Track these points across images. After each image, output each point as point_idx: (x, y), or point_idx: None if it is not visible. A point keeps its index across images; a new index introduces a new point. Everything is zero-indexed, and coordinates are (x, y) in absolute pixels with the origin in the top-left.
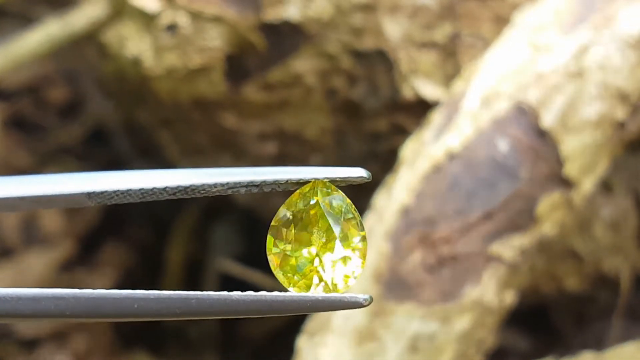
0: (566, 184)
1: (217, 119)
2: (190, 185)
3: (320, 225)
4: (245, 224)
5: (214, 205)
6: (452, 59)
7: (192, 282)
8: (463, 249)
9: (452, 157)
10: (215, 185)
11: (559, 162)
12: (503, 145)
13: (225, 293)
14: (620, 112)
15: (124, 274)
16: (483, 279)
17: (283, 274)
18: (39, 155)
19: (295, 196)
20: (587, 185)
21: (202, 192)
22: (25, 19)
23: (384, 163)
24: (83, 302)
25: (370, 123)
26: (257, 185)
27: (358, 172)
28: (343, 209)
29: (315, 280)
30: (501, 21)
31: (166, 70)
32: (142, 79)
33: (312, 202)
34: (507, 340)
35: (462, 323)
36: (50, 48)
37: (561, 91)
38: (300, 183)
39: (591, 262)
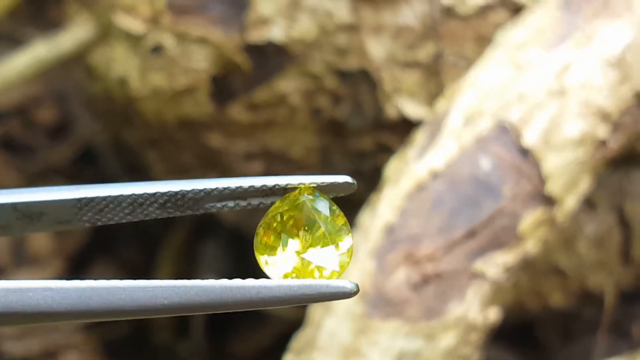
0: (549, 201)
1: (203, 139)
2: (180, 191)
3: (306, 222)
4: (233, 242)
5: (202, 225)
6: (435, 79)
7: None
8: (447, 267)
9: (435, 175)
10: (204, 191)
11: (541, 180)
12: (486, 164)
13: (211, 280)
14: (601, 130)
15: None
16: (467, 296)
17: (271, 272)
18: (28, 175)
19: (282, 200)
20: (570, 202)
21: (190, 201)
22: (13, 41)
23: (368, 181)
24: (72, 293)
25: (355, 142)
26: (244, 199)
27: (343, 179)
28: (329, 208)
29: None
30: (484, 40)
31: (152, 91)
32: (128, 100)
33: (298, 202)
34: (494, 356)
35: (446, 340)
36: (38, 70)
37: (543, 110)
38: (288, 189)
39: (576, 278)
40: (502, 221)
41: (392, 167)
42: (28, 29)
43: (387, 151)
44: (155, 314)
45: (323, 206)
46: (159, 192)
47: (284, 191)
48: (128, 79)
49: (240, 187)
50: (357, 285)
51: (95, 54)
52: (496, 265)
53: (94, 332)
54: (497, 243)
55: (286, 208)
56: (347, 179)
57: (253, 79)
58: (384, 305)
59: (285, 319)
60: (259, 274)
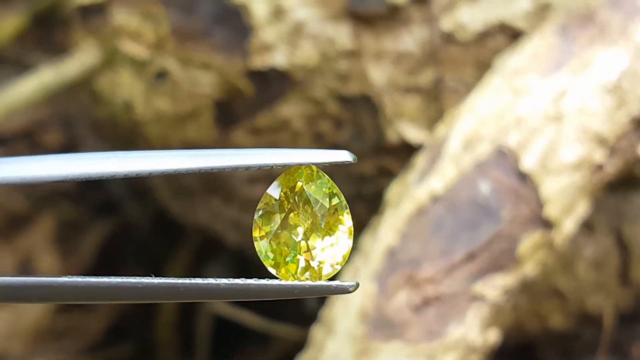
0: (547, 224)
1: None
2: (178, 169)
3: (305, 208)
4: (237, 264)
5: (206, 247)
6: (435, 104)
7: (186, 323)
8: (447, 289)
9: (435, 199)
10: (201, 169)
11: (539, 203)
12: (485, 188)
13: (212, 281)
14: (598, 155)
15: (118, 316)
16: (467, 318)
17: (269, 259)
18: (34, 199)
19: (279, 180)
20: (568, 225)
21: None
22: (20, 66)
23: (370, 205)
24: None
25: (357, 166)
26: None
27: (343, 156)
28: (328, 192)
29: (302, 263)
30: (483, 66)
31: (157, 115)
32: (133, 124)
33: (296, 186)
34: None
35: None
36: (44, 95)
37: (541, 134)
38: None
39: (575, 300)
40: (501, 244)
41: (393, 191)
42: (35, 54)
43: (388, 175)
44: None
45: (320, 184)
46: (157, 170)
47: (282, 166)
48: (133, 103)
49: (238, 166)
50: (357, 284)
51: (101, 79)
52: (495, 287)
53: (99, 353)
54: (496, 266)
55: (283, 192)
56: (346, 156)
57: (256, 104)
58: (385, 327)
59: (288, 340)
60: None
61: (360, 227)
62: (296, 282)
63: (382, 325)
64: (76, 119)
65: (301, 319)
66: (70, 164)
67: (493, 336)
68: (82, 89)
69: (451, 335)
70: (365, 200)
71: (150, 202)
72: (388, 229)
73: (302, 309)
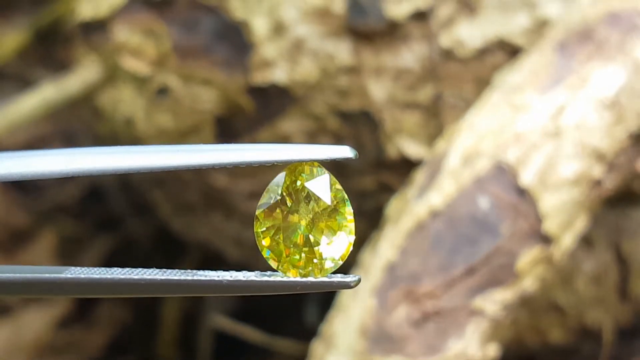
0: (545, 240)
1: (208, 179)
2: (180, 165)
3: (306, 203)
4: None
5: (207, 262)
6: (435, 119)
7: (187, 337)
8: (447, 304)
9: (435, 214)
10: (203, 165)
11: (538, 218)
12: (484, 203)
13: (215, 277)
14: (597, 171)
15: (119, 331)
16: (466, 333)
17: (271, 255)
18: (36, 214)
19: (281, 175)
20: (567, 241)
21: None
22: (22, 81)
23: (370, 220)
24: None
25: (357, 181)
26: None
27: (344, 152)
28: (329, 187)
29: (304, 259)
30: (482, 82)
31: (158, 131)
32: (135, 140)
33: (298, 182)
34: None
35: None
36: (46, 111)
37: (539, 150)
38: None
39: (574, 314)
40: (500, 259)
41: (392, 207)
42: (37, 70)
43: (388, 190)
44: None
45: (323, 181)
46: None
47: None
48: (134, 119)
49: (239, 163)
50: (359, 279)
51: (103, 95)
52: (495, 302)
53: None
54: (495, 281)
55: (285, 188)
56: (347, 152)
57: (256, 120)
58: (385, 341)
59: (288, 355)
60: (268, 311)
61: (360, 242)
62: (298, 278)
63: (382, 340)
64: (78, 134)
65: (301, 334)
66: (68, 160)
67: (492, 351)
68: (83, 104)
69: (451, 350)
70: (365, 216)
71: (151, 217)
72: (388, 244)
73: (303, 324)
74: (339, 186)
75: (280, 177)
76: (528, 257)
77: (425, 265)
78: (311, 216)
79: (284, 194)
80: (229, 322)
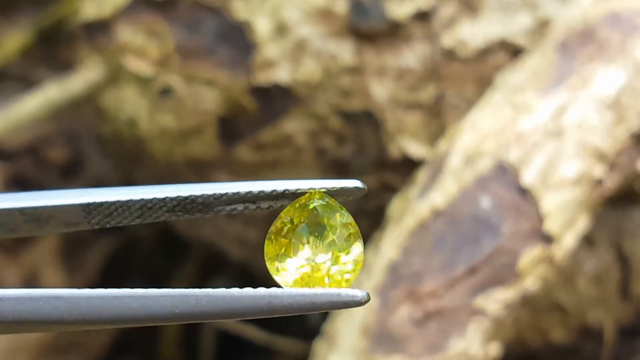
0: (547, 239)
1: (210, 179)
2: (190, 196)
3: (317, 228)
4: (242, 280)
5: (210, 262)
6: (437, 119)
7: (190, 337)
8: (448, 303)
9: (437, 214)
10: (214, 196)
11: (539, 218)
12: (485, 203)
13: (224, 290)
14: (598, 170)
15: (121, 332)
16: (468, 332)
17: (281, 279)
18: None
19: (292, 205)
20: (569, 240)
21: (200, 205)
22: (25, 82)
23: (372, 220)
24: (83, 302)
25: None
26: (254, 202)
27: (354, 183)
28: (339, 215)
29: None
30: (484, 82)
31: (161, 131)
32: (138, 140)
33: (309, 208)
34: None
35: None
36: (49, 111)
37: (541, 150)
38: (298, 193)
39: (576, 314)
40: (501, 259)
41: (395, 206)
42: (40, 70)
43: (390, 190)
44: (166, 322)
45: (333, 212)
46: (169, 197)
47: (293, 195)
48: (137, 120)
49: (250, 192)
50: (367, 294)
51: (106, 96)
52: (496, 301)
53: None
54: (497, 280)
55: (296, 214)
56: (357, 183)
57: (259, 120)
58: (387, 341)
59: (291, 354)
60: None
61: (362, 242)
62: (306, 290)
63: (384, 340)
64: (81, 135)
65: (304, 334)
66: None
67: (494, 350)
68: (86, 105)
69: (452, 349)
70: (367, 215)
71: None
72: (390, 243)
73: (305, 324)
74: (348, 217)
75: (291, 206)
76: (529, 256)
77: (427, 265)
78: (320, 247)
79: (295, 223)
80: (231, 321)
